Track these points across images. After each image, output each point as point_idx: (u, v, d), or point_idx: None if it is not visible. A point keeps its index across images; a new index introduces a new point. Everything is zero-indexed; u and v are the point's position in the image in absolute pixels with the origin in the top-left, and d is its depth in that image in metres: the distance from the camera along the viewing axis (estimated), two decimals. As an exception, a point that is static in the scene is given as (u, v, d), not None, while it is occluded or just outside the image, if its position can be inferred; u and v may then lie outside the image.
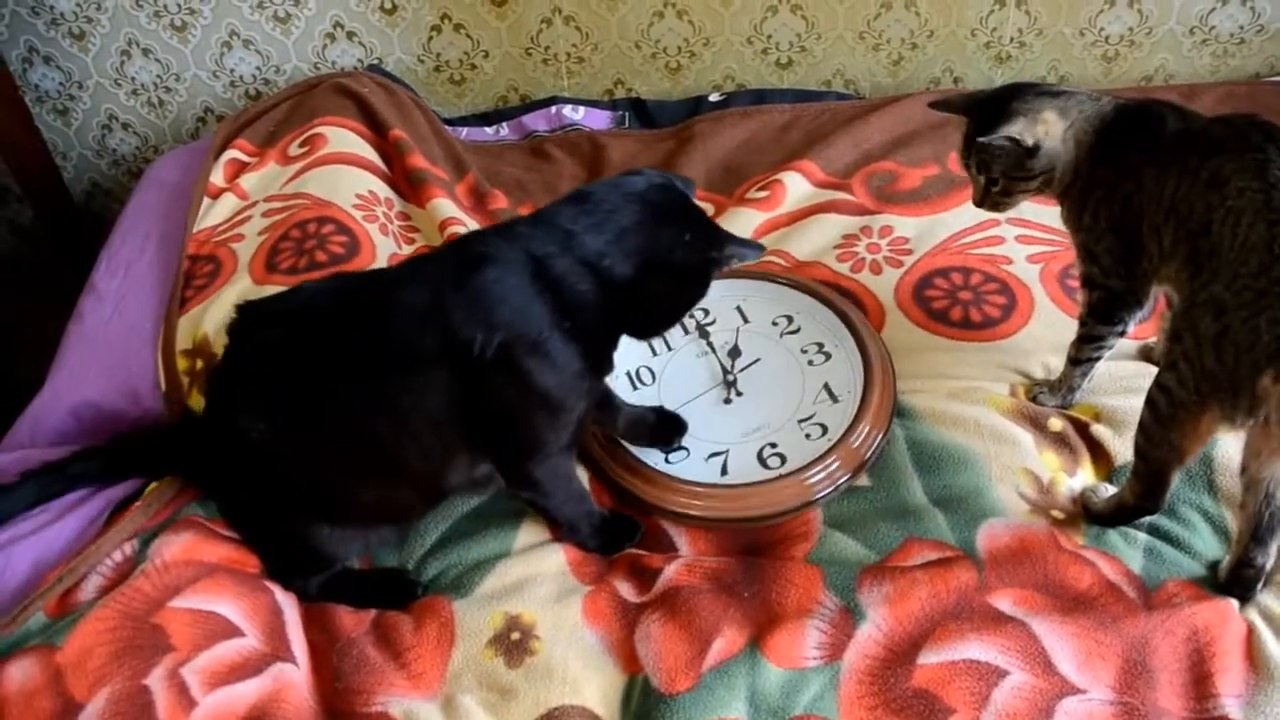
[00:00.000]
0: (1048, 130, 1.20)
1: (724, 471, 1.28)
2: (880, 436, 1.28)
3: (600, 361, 1.13)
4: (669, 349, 1.45)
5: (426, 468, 1.14)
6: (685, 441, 1.32)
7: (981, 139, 1.21)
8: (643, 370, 1.43)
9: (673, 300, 1.13)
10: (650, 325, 1.16)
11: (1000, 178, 1.25)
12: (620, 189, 1.11)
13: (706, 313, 1.48)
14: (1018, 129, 1.19)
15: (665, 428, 1.32)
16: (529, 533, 1.25)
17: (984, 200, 1.30)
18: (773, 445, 1.30)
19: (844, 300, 1.46)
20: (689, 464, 1.29)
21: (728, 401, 1.37)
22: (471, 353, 1.03)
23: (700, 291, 1.13)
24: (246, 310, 1.20)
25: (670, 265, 1.09)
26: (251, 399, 1.13)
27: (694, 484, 1.26)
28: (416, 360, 1.06)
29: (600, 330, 1.10)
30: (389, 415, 1.08)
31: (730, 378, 1.39)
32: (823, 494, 1.24)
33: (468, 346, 1.03)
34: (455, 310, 1.05)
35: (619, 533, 1.24)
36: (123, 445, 1.32)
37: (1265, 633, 1.07)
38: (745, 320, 1.46)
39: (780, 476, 1.25)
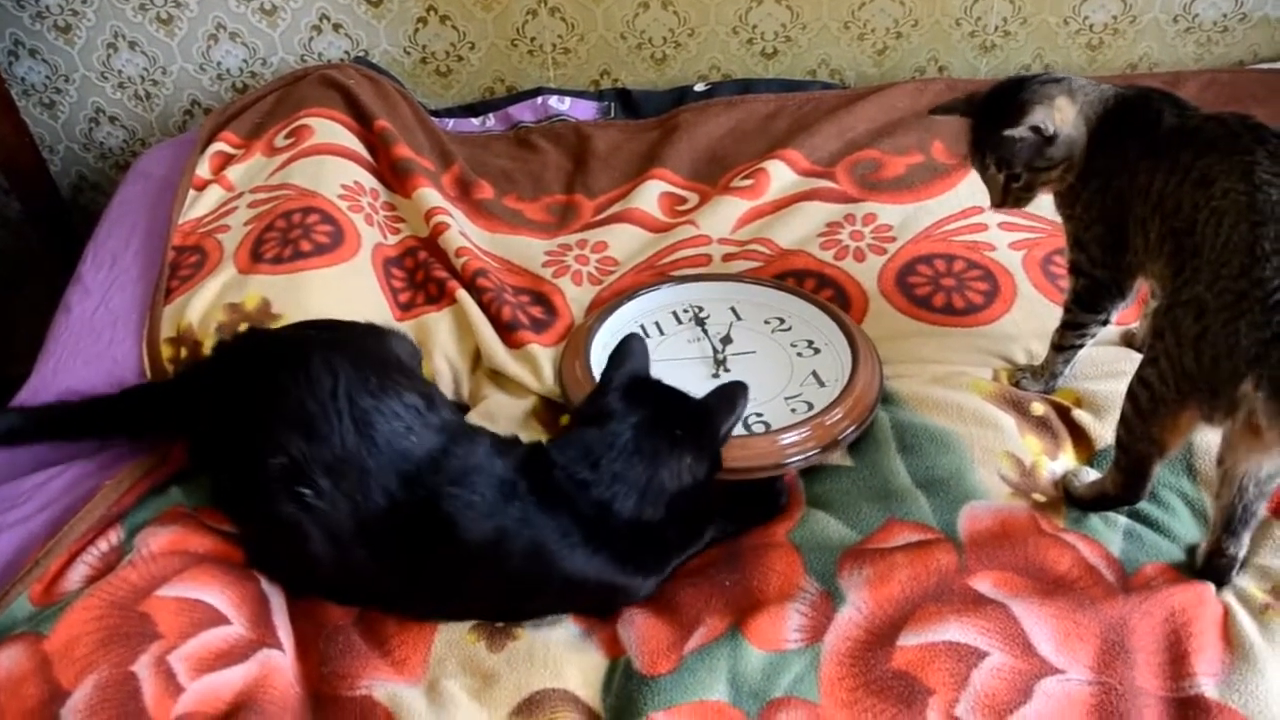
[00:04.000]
0: (1063, 116, 1.18)
1: None
2: (854, 428, 1.29)
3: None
4: (661, 334, 1.46)
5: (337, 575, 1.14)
6: None
7: (1008, 131, 1.17)
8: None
9: (699, 498, 1.16)
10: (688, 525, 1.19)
11: (1023, 171, 1.22)
12: (623, 415, 1.13)
13: (702, 308, 1.50)
14: (1039, 117, 1.16)
15: None
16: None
17: (1005, 199, 1.27)
18: (759, 415, 1.32)
19: (837, 307, 1.48)
20: None
21: (715, 376, 1.39)
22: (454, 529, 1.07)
23: (715, 471, 1.17)
24: (253, 338, 1.28)
25: (685, 491, 1.13)
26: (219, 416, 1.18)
27: None
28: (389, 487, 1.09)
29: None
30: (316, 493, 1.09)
31: (720, 356, 1.41)
32: (793, 459, 1.25)
33: (450, 522, 1.07)
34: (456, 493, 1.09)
35: None
36: (102, 403, 1.33)
37: (1241, 614, 1.08)
38: (739, 318, 1.48)
39: (754, 435, 1.28)
